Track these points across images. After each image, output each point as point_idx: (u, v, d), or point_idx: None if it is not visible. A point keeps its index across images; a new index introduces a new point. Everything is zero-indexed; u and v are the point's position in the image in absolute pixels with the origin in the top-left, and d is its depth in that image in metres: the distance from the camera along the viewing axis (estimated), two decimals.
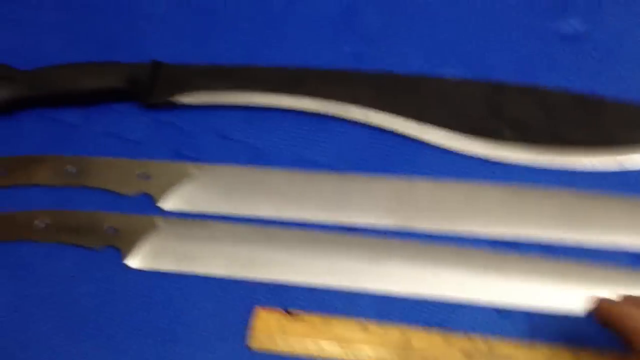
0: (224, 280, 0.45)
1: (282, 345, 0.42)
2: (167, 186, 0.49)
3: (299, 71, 0.53)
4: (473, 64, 0.51)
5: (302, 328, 0.43)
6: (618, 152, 0.45)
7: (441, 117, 0.49)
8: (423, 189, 0.47)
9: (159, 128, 0.52)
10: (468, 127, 0.48)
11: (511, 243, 0.44)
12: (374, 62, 0.53)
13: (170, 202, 0.49)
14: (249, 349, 0.43)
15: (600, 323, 0.35)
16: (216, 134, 0.52)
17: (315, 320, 0.43)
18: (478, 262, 0.43)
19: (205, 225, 0.47)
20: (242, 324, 0.44)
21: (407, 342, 0.41)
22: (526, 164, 0.46)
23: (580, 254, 0.43)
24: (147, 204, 0.49)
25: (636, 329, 0.31)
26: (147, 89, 0.52)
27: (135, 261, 0.46)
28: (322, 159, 0.49)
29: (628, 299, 0.34)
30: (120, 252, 0.47)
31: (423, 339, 0.41)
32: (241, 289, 0.45)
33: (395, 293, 0.43)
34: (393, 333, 0.41)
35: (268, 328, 0.43)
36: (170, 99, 0.52)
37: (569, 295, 0.41)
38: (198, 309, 0.45)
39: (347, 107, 0.50)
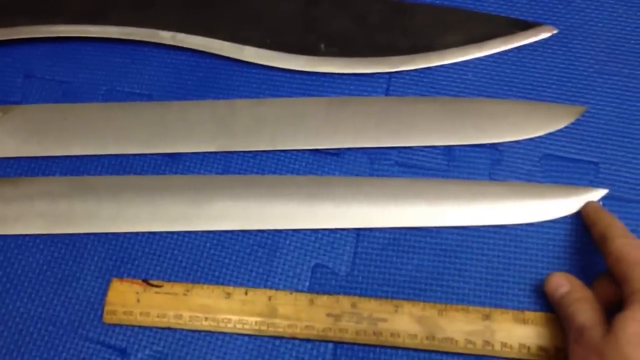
0: (77, 246, 0.42)
1: (140, 318, 0.40)
2: None
3: None
4: None
5: (161, 298, 0.40)
6: (431, 56, 0.47)
7: (257, 36, 0.47)
8: (243, 109, 0.45)
9: None
10: (285, 44, 0.47)
11: (335, 152, 0.44)
12: None
13: None
14: (103, 323, 0.40)
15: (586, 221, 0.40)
16: (18, 73, 0.48)
17: (176, 289, 0.40)
18: (303, 189, 0.43)
19: (16, 182, 0.44)
20: (97, 297, 0.41)
21: (273, 308, 0.39)
22: (345, 75, 0.46)
23: (401, 154, 0.44)
24: None
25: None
26: None
27: None
28: (137, 89, 0.47)
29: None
30: None
31: (289, 303, 0.39)
32: (95, 256, 0.42)
33: (225, 229, 0.42)
34: (259, 299, 0.40)
35: (124, 300, 0.40)
36: None
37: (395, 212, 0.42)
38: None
39: (156, 32, 0.47)
